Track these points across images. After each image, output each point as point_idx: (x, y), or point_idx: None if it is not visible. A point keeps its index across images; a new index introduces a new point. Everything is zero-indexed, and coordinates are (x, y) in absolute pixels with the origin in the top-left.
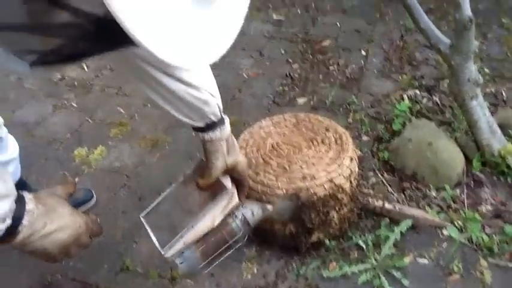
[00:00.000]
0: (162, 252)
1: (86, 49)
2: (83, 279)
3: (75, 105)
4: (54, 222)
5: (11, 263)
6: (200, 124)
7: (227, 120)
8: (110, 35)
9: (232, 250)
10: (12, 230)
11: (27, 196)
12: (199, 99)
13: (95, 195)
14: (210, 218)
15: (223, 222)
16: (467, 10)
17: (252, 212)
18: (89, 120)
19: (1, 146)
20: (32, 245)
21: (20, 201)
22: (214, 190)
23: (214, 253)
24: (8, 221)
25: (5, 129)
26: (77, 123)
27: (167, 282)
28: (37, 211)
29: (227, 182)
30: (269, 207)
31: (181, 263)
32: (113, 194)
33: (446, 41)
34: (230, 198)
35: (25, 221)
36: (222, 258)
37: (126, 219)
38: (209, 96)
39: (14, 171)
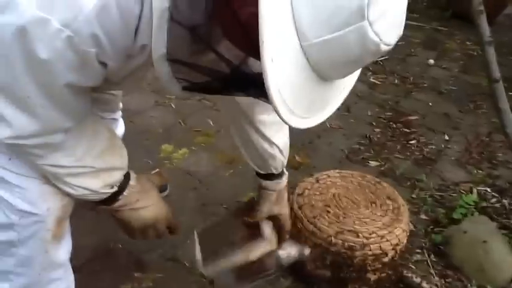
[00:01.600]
0: (201, 269)
1: (220, 87)
2: (138, 256)
3: (173, 106)
4: (143, 201)
5: (86, 220)
6: (262, 172)
7: (285, 176)
8: (239, 82)
9: (262, 279)
10: (115, 197)
11: (133, 175)
12: (268, 152)
13: (168, 189)
14: (246, 256)
15: (260, 257)
16: None
17: (289, 254)
18: (182, 123)
19: (115, 126)
20: (121, 213)
21: (126, 177)
22: (257, 231)
23: (246, 279)
24: (115, 188)
25: (120, 113)
26: (170, 122)
27: (207, 283)
28: (136, 188)
29: (267, 228)
30: (306, 251)
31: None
32: (183, 192)
33: None
34: (268, 243)
35: (126, 192)
36: (254, 283)
37: (187, 218)
38: (278, 152)
39: None
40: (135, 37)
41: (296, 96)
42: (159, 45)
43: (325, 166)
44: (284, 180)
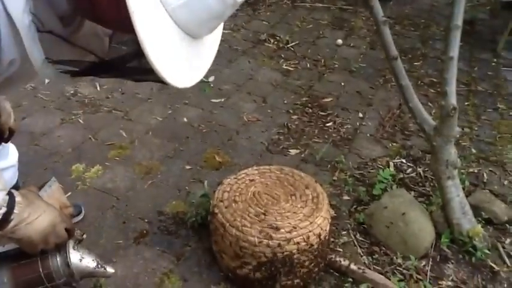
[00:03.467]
0: None
1: (104, 70)
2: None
3: (81, 121)
4: (35, 212)
5: None
6: None
7: None
8: (120, 62)
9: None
10: (7, 217)
11: (15, 192)
12: None
13: (83, 212)
14: None
15: (44, 255)
16: (452, 99)
17: (81, 258)
18: (92, 138)
19: (2, 153)
20: (18, 232)
21: (10, 195)
22: None
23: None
24: (4, 209)
25: None
26: (80, 140)
27: None
28: (23, 203)
29: None
30: (110, 270)
31: None
32: (100, 213)
33: (431, 123)
34: None
35: (16, 210)
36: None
37: (107, 239)
38: None
39: (12, 177)
40: None
41: (175, 59)
42: (36, 55)
43: (246, 162)
44: None
